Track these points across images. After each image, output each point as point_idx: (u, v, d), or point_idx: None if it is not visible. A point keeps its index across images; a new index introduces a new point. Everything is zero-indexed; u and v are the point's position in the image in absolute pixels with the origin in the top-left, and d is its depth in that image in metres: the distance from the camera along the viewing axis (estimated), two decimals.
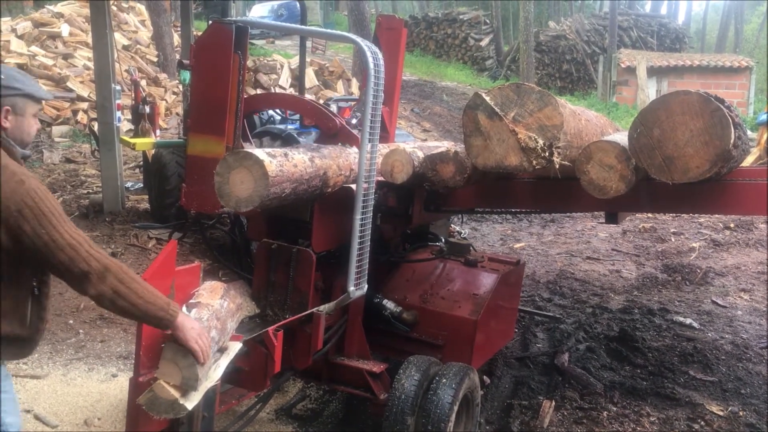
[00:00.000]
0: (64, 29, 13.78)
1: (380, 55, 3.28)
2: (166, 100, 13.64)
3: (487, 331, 4.20)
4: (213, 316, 2.80)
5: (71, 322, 5.45)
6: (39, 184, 2.22)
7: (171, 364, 2.45)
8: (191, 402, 2.47)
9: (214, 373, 2.66)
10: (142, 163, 9.35)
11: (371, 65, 3.18)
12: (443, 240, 4.82)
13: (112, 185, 8.01)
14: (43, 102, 2.55)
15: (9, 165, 2.20)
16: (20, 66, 12.06)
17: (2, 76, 2.27)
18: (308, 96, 11.22)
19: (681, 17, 43.25)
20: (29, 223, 2.13)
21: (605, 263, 8.11)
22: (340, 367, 3.85)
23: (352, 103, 9.12)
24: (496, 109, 3.22)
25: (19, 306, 2.27)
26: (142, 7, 16.60)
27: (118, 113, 8.02)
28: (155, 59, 14.95)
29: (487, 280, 4.25)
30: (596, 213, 8.60)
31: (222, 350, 2.78)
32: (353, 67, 17.63)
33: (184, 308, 2.80)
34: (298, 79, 9.81)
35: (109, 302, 2.25)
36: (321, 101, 10.23)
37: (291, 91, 15.15)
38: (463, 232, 8.81)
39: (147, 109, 8.29)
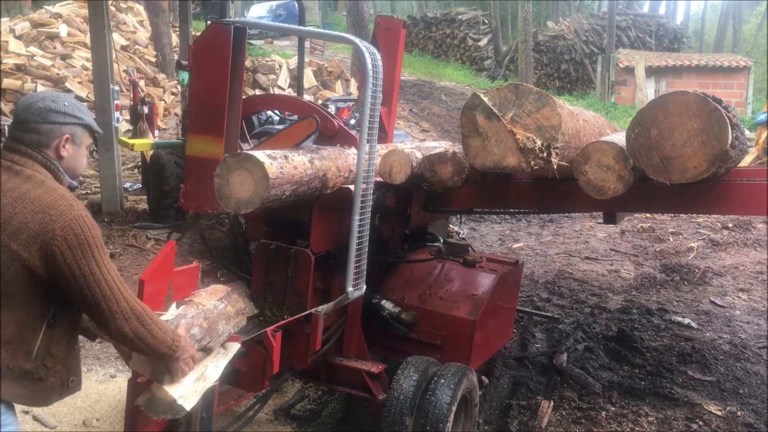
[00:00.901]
0: (63, 30, 13.78)
1: (378, 56, 3.28)
2: (164, 100, 13.64)
3: (485, 331, 4.20)
4: (201, 314, 2.79)
5: None
6: (87, 212, 2.14)
7: (141, 356, 2.44)
8: (189, 403, 2.47)
9: (212, 374, 2.66)
10: (140, 163, 9.35)
11: (369, 66, 3.18)
12: (442, 240, 4.83)
13: (110, 185, 8.02)
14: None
15: (57, 188, 2.12)
16: (18, 66, 12.06)
17: (66, 103, 2.21)
18: (307, 96, 11.21)
19: (679, 17, 43.29)
20: (72, 251, 2.03)
21: (604, 263, 8.12)
22: (338, 367, 3.85)
23: (351, 103, 9.12)
24: (494, 109, 3.22)
25: (25, 335, 2.10)
26: (140, 8, 16.61)
27: (117, 114, 8.02)
28: (154, 60, 14.96)
29: (485, 281, 4.25)
30: (594, 213, 8.61)
31: (206, 350, 2.76)
32: (352, 67, 17.63)
33: (174, 305, 2.80)
34: (296, 79, 9.80)
35: (128, 343, 2.21)
36: (319, 102, 10.23)
37: (289, 91, 15.15)
38: (461, 232, 8.82)
39: (145, 109, 8.30)
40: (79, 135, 2.25)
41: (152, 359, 2.40)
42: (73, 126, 2.22)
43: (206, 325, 2.79)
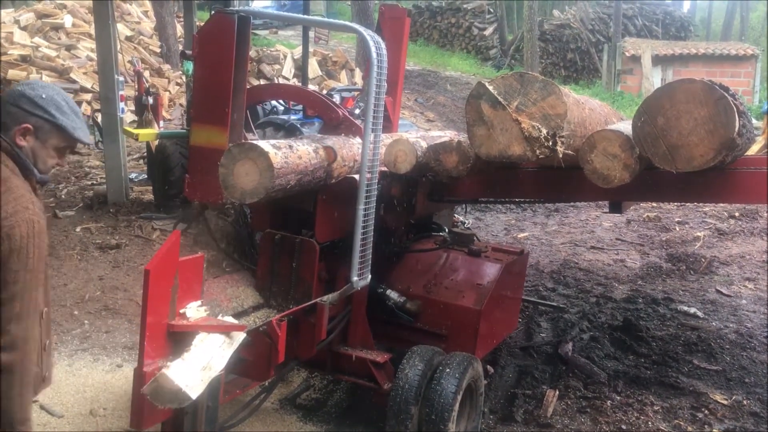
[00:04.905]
0: (67, 20, 13.79)
1: (383, 45, 3.27)
2: (169, 90, 13.64)
3: (490, 320, 4.20)
4: None
5: (76, 312, 5.48)
6: (42, 220, 2.07)
7: None
8: (195, 392, 2.48)
9: (217, 363, 2.66)
10: (145, 154, 9.37)
11: (374, 55, 3.17)
12: (447, 230, 4.82)
13: (115, 176, 8.03)
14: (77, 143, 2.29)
15: (20, 186, 2.06)
16: (23, 57, 12.06)
17: (44, 95, 2.12)
18: (311, 86, 11.19)
19: (686, 5, 42.95)
20: (9, 250, 1.97)
21: (609, 253, 8.10)
22: (344, 357, 3.86)
23: (356, 93, 9.10)
24: (499, 98, 3.20)
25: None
26: None
27: (122, 104, 8.03)
28: (158, 50, 14.95)
29: (490, 270, 4.25)
30: (600, 202, 8.58)
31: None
32: (356, 56, 17.57)
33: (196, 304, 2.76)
34: (301, 69, 9.78)
35: None
36: (324, 91, 10.21)
37: (294, 81, 15.12)
38: (466, 222, 8.81)
39: (150, 100, 8.30)
40: (46, 131, 2.15)
41: None
42: (40, 120, 2.13)
43: None
